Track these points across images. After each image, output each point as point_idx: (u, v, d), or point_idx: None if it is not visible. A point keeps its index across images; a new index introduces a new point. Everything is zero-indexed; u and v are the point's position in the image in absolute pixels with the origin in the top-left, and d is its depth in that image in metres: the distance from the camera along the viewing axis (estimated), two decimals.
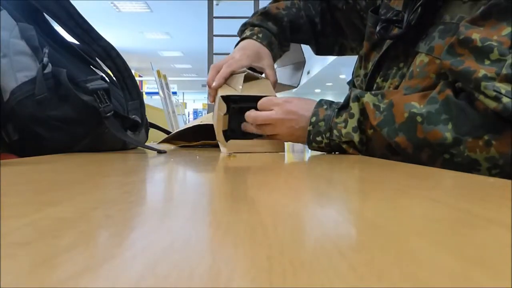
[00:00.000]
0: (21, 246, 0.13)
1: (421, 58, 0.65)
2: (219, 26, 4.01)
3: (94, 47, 0.78)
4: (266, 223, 0.17)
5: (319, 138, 0.67)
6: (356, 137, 0.63)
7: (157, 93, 1.51)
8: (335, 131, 0.65)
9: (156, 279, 0.10)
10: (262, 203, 0.22)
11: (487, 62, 0.52)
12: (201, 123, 0.90)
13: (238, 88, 0.78)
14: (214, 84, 0.82)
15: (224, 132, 0.77)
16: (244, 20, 0.99)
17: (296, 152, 0.84)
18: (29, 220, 0.17)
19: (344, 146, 0.66)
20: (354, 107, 0.64)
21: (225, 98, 0.75)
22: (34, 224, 0.16)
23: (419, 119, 0.56)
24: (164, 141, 1.02)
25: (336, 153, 0.69)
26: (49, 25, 0.78)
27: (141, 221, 0.17)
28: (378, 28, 0.74)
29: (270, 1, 1.02)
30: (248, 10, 3.92)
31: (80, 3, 1.30)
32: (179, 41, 8.61)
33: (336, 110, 0.67)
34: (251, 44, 0.89)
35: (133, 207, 0.20)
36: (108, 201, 0.22)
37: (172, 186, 0.31)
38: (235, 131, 0.77)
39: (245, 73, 0.79)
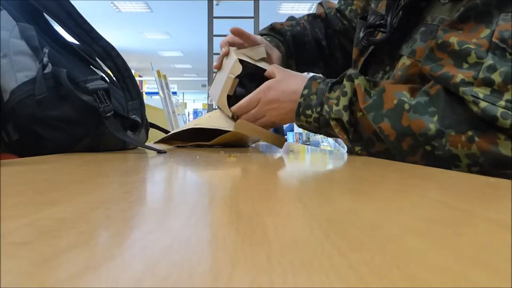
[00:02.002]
0: (21, 246, 0.13)
1: (403, 61, 0.65)
2: (219, 26, 4.01)
3: (94, 47, 0.78)
4: (266, 223, 0.17)
5: (309, 112, 0.66)
6: (345, 116, 0.62)
7: (157, 93, 1.52)
8: (325, 106, 0.64)
9: (156, 279, 0.10)
10: (262, 203, 0.22)
11: (465, 66, 0.52)
12: (196, 126, 0.90)
13: (257, 58, 0.77)
14: (228, 39, 0.82)
15: (228, 98, 0.76)
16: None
17: (296, 153, 0.84)
18: (29, 220, 0.17)
19: (332, 123, 0.64)
20: (348, 86, 0.63)
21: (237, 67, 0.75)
22: (34, 224, 0.16)
23: (406, 106, 0.56)
24: (161, 141, 1.02)
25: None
26: (49, 25, 0.78)
27: (141, 221, 0.17)
28: (361, 34, 0.76)
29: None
30: (248, 10, 3.93)
31: (80, 3, 1.30)
32: (179, 41, 8.61)
33: (330, 84, 0.66)
34: (264, 41, 0.89)
35: (133, 207, 0.20)
36: (108, 201, 0.22)
37: (172, 186, 0.31)
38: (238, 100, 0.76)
39: (264, 46, 0.78)
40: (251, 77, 0.76)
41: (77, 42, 0.79)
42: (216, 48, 3.89)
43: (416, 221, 0.17)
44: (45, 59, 0.67)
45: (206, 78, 3.99)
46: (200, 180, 0.34)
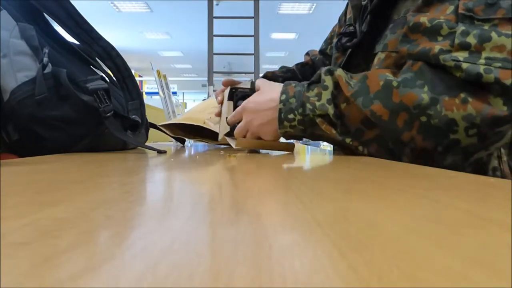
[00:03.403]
0: (21, 246, 0.13)
1: (378, 57, 0.68)
2: (219, 26, 4.01)
3: (94, 47, 0.78)
4: (266, 223, 0.17)
5: (291, 116, 0.64)
6: (330, 110, 0.61)
7: (157, 93, 1.52)
8: (308, 105, 0.62)
9: (156, 279, 0.10)
10: (262, 202, 0.22)
11: (439, 38, 0.55)
12: (204, 125, 0.91)
13: (248, 86, 0.80)
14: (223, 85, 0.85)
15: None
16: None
17: (296, 153, 0.84)
18: (29, 220, 0.17)
19: (318, 120, 0.62)
20: (328, 80, 0.62)
21: (231, 94, 0.78)
22: (34, 224, 0.16)
23: (394, 84, 0.56)
24: (164, 125, 1.02)
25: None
26: (49, 25, 0.78)
27: (141, 221, 0.17)
28: (335, 42, 0.81)
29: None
30: (248, 10, 3.93)
31: (80, 3, 1.30)
32: (179, 41, 8.61)
33: (306, 85, 0.65)
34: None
35: (133, 207, 0.20)
36: (108, 201, 0.22)
37: (172, 186, 0.31)
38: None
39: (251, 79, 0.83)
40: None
41: (77, 42, 0.79)
42: (216, 48, 3.89)
43: (416, 221, 0.17)
44: (45, 59, 0.67)
45: (206, 78, 3.99)
46: (200, 180, 0.34)
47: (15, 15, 0.69)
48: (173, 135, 1.03)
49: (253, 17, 3.88)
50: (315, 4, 6.40)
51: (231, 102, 0.79)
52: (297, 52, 8.53)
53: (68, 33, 0.78)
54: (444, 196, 0.24)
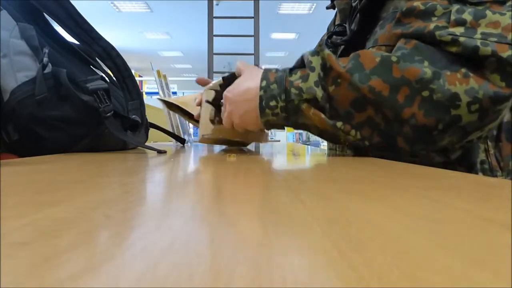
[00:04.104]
0: (21, 246, 0.13)
1: None
2: (219, 26, 4.01)
3: (94, 47, 0.78)
4: (267, 223, 0.17)
5: (273, 103, 0.59)
6: (319, 92, 0.57)
7: (157, 93, 1.52)
8: (293, 90, 0.58)
9: (156, 279, 0.10)
10: (262, 202, 0.22)
11: (434, 18, 0.55)
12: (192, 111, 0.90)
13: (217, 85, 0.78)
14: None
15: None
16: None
17: (296, 153, 0.84)
18: (29, 220, 0.17)
19: (303, 106, 0.58)
20: (315, 61, 0.58)
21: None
22: (34, 224, 0.16)
23: (393, 59, 0.54)
24: (167, 103, 1.02)
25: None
26: (49, 25, 0.78)
27: (141, 221, 0.17)
28: (324, 40, 0.80)
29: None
30: (248, 10, 3.93)
31: (80, 3, 1.30)
32: (179, 41, 8.61)
33: (288, 70, 0.60)
34: None
35: (133, 207, 0.20)
36: (108, 201, 0.22)
37: (172, 186, 0.31)
38: None
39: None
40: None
41: (77, 42, 0.79)
42: (216, 48, 3.89)
43: (416, 221, 0.17)
44: (45, 59, 0.67)
45: (206, 78, 3.97)
46: (200, 180, 0.34)
47: (15, 15, 0.69)
48: (170, 109, 1.04)
49: (253, 17, 3.88)
50: (315, 4, 6.40)
51: (209, 105, 0.77)
52: (297, 52, 8.50)
53: (68, 33, 0.78)
54: (444, 196, 0.24)
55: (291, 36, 8.24)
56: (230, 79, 0.73)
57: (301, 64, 0.60)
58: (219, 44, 4.04)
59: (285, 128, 0.64)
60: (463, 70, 0.51)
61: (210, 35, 3.88)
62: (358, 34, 0.71)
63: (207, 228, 0.16)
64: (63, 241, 0.14)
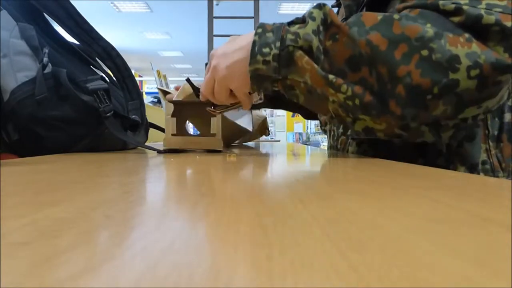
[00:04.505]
0: (21, 246, 0.13)
1: None
2: (219, 26, 4.01)
3: (94, 47, 0.78)
4: (266, 223, 0.17)
5: (266, 50, 0.55)
6: (315, 41, 0.54)
7: (157, 93, 1.52)
8: (289, 35, 0.54)
9: (156, 279, 0.10)
10: (262, 202, 0.22)
11: None
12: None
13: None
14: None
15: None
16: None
17: (296, 153, 0.84)
18: (29, 220, 0.17)
19: (297, 54, 0.54)
20: (316, 13, 0.56)
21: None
22: (34, 224, 0.16)
23: (396, 16, 0.52)
24: (164, 93, 1.00)
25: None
26: (49, 25, 0.78)
27: (141, 221, 0.17)
28: None
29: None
30: (248, 10, 3.93)
31: (80, 3, 1.30)
32: (179, 41, 8.61)
33: (286, 22, 0.57)
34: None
35: (133, 207, 0.20)
36: (108, 201, 0.22)
37: (172, 186, 0.31)
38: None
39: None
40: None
41: (77, 42, 0.79)
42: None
43: (416, 221, 0.17)
44: (45, 59, 0.67)
45: None
46: (200, 180, 0.34)
47: (15, 15, 0.69)
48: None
49: (253, 17, 3.88)
50: (315, 4, 6.39)
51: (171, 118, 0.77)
52: None
53: (68, 33, 0.78)
54: (444, 196, 0.24)
55: None
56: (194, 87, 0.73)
57: (302, 21, 0.57)
58: (219, 44, 4.03)
59: (271, 85, 0.58)
60: (466, 35, 0.50)
61: (210, 35, 3.89)
62: None
63: (207, 228, 0.16)
64: (63, 241, 0.14)
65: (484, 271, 0.11)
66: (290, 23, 0.57)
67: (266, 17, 6.44)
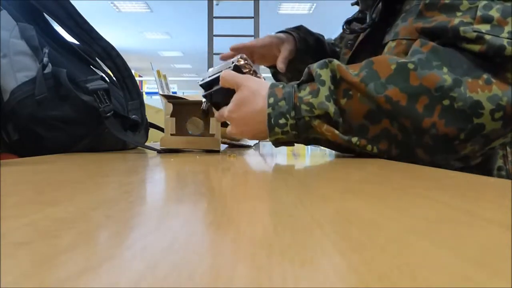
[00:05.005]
0: (21, 246, 0.13)
1: (388, 45, 0.64)
2: (219, 26, 4.01)
3: (94, 47, 0.78)
4: (266, 222, 0.17)
5: (282, 121, 0.56)
6: (331, 107, 0.53)
7: (157, 93, 1.52)
8: (303, 106, 0.54)
9: (156, 279, 0.10)
10: (262, 203, 0.22)
11: (458, 14, 0.52)
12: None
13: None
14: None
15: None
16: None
17: (296, 153, 0.84)
18: (29, 220, 0.17)
19: (315, 123, 0.55)
20: (324, 74, 0.55)
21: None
22: (34, 224, 0.16)
23: (410, 66, 0.51)
24: (165, 96, 1.00)
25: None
26: (49, 25, 0.78)
27: (141, 221, 0.17)
28: (343, 25, 0.77)
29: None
30: (248, 10, 3.93)
31: (80, 3, 1.30)
32: (179, 41, 8.61)
33: (296, 85, 0.57)
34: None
35: (133, 207, 0.20)
36: (108, 201, 0.22)
37: (172, 186, 0.31)
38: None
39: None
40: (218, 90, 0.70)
41: (77, 42, 0.79)
42: (216, 48, 3.89)
43: (416, 221, 0.17)
44: (45, 59, 0.67)
45: None
46: (200, 180, 0.34)
47: (15, 15, 0.69)
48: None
49: (253, 17, 3.88)
50: (315, 4, 6.39)
51: (172, 119, 0.76)
52: None
53: (68, 33, 0.78)
54: (444, 196, 0.24)
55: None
56: (212, 94, 0.71)
57: (309, 77, 0.57)
58: (219, 44, 4.03)
59: (293, 144, 0.61)
60: (485, 76, 0.49)
61: (210, 35, 3.89)
62: (378, 25, 0.68)
63: (207, 228, 0.16)
64: (63, 241, 0.14)
65: (484, 271, 0.11)
66: (300, 85, 0.57)
67: (266, 17, 6.44)
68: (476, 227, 0.16)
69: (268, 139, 0.59)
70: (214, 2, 4.18)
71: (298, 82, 0.58)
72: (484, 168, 0.60)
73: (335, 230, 0.15)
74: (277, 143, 0.60)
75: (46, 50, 0.68)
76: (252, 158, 0.61)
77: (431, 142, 0.52)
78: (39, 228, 0.15)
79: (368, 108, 0.53)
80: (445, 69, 0.50)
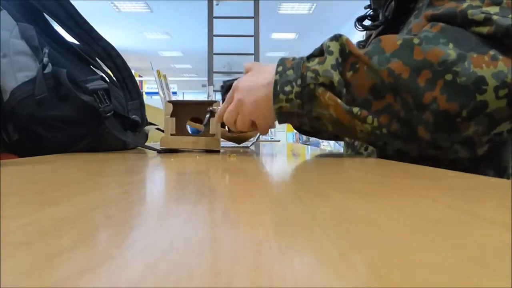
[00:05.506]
0: (21, 246, 0.13)
1: None
2: (219, 26, 4.01)
3: (94, 47, 0.78)
4: (267, 223, 0.17)
5: (287, 88, 0.56)
6: (335, 76, 0.53)
7: (157, 93, 1.52)
8: (309, 73, 0.55)
9: (156, 279, 0.10)
10: (262, 202, 0.22)
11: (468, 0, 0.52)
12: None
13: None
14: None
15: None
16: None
17: (296, 153, 0.84)
18: (29, 220, 0.17)
19: (319, 91, 0.55)
20: (333, 45, 0.55)
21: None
22: (34, 224, 0.16)
23: (416, 41, 0.51)
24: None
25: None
26: (49, 25, 0.78)
27: (141, 221, 0.17)
28: (355, 22, 0.76)
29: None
30: (248, 10, 3.93)
31: (80, 3, 1.30)
32: (179, 41, 8.61)
33: (305, 57, 0.57)
34: None
35: (133, 207, 0.20)
36: (108, 201, 0.22)
37: (172, 186, 0.31)
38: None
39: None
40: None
41: (77, 42, 0.79)
42: (216, 48, 3.89)
43: (416, 221, 0.17)
44: (45, 59, 0.67)
45: (206, 78, 3.99)
46: (200, 180, 0.34)
47: (15, 15, 0.69)
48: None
49: (253, 17, 3.88)
50: (315, 4, 6.40)
51: (173, 119, 0.77)
52: (297, 52, 8.53)
53: (68, 33, 0.78)
54: (444, 196, 0.24)
55: (291, 36, 8.24)
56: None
57: (320, 52, 0.58)
58: (219, 44, 4.04)
59: (298, 119, 0.59)
60: (492, 52, 0.48)
61: (210, 35, 3.89)
62: (391, 23, 0.68)
63: (207, 228, 0.16)
64: (63, 241, 0.14)
65: (484, 271, 0.11)
66: (309, 57, 0.57)
67: (266, 17, 6.44)
68: (476, 227, 0.16)
69: (272, 107, 0.58)
70: (214, 2, 4.18)
71: (308, 54, 0.58)
72: (496, 165, 0.59)
73: (335, 230, 0.15)
74: (281, 115, 0.59)
75: (46, 50, 0.68)
76: (252, 158, 0.62)
77: (432, 118, 0.51)
78: (39, 228, 0.15)
79: (373, 82, 0.53)
80: (451, 45, 0.49)
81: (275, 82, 0.57)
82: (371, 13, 0.77)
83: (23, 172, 0.36)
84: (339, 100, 0.54)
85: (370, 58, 0.52)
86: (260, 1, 3.97)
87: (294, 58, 0.59)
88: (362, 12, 0.83)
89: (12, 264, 0.11)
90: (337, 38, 0.56)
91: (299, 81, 0.55)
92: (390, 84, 0.52)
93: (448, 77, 0.48)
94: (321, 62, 0.55)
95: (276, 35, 8.11)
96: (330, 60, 0.54)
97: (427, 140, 0.53)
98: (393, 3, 0.68)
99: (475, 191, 0.28)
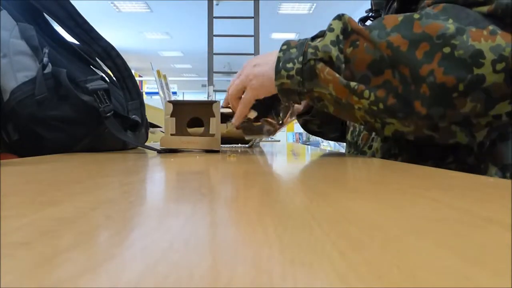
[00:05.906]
0: (21, 246, 0.13)
1: None
2: (219, 26, 4.01)
3: (94, 47, 0.78)
4: (267, 222, 0.17)
5: (289, 65, 0.57)
6: (334, 51, 0.55)
7: (157, 93, 1.52)
8: (309, 49, 0.56)
9: (156, 279, 0.10)
10: (262, 202, 0.22)
11: None
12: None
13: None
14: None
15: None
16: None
17: (296, 153, 0.84)
18: (29, 220, 0.17)
19: (319, 66, 0.55)
20: (335, 23, 0.57)
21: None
22: (34, 224, 0.16)
23: (416, 16, 0.52)
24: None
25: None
26: (49, 25, 0.78)
27: (141, 221, 0.17)
28: (357, 22, 0.76)
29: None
30: (248, 10, 3.93)
31: (80, 3, 1.30)
32: (179, 41, 8.61)
33: (310, 37, 0.59)
34: None
35: (133, 207, 0.20)
36: (108, 201, 0.22)
37: (171, 186, 0.31)
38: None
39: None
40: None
41: (77, 42, 0.79)
42: (216, 48, 3.89)
43: (416, 221, 0.17)
44: (45, 59, 0.67)
45: (206, 78, 3.99)
46: (200, 180, 0.34)
47: (15, 15, 0.69)
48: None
49: (253, 17, 3.88)
50: (315, 4, 6.40)
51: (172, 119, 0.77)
52: None
53: (68, 33, 0.78)
54: (444, 196, 0.24)
55: (291, 36, 8.24)
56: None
57: (324, 33, 0.58)
58: (219, 44, 4.04)
59: (299, 97, 0.60)
60: (491, 27, 0.48)
61: (210, 35, 3.89)
62: None
63: (207, 228, 0.16)
64: (63, 241, 0.14)
65: (484, 271, 0.11)
66: (314, 37, 0.59)
67: (266, 17, 6.44)
68: (476, 227, 0.16)
69: (274, 84, 0.60)
70: (214, 2, 4.19)
71: (313, 35, 0.59)
72: (500, 163, 0.58)
73: (335, 230, 0.15)
74: (282, 92, 0.60)
75: (46, 50, 0.68)
76: (252, 158, 0.62)
77: (429, 91, 0.51)
78: (39, 228, 0.15)
79: (371, 57, 0.53)
80: (450, 20, 0.50)
81: (278, 59, 0.59)
82: (374, 14, 0.78)
83: (23, 172, 0.36)
84: (337, 75, 0.55)
85: (370, 32, 0.53)
86: (260, 1, 3.97)
87: (299, 40, 0.60)
88: (362, 12, 0.83)
89: (12, 264, 0.11)
90: (340, 17, 0.57)
91: (300, 58, 0.57)
92: (389, 58, 0.52)
93: (446, 50, 0.49)
94: (323, 38, 0.56)
95: (276, 35, 8.11)
96: (330, 36, 0.56)
97: (423, 115, 0.53)
98: (395, 4, 0.68)
99: (475, 191, 0.28)
